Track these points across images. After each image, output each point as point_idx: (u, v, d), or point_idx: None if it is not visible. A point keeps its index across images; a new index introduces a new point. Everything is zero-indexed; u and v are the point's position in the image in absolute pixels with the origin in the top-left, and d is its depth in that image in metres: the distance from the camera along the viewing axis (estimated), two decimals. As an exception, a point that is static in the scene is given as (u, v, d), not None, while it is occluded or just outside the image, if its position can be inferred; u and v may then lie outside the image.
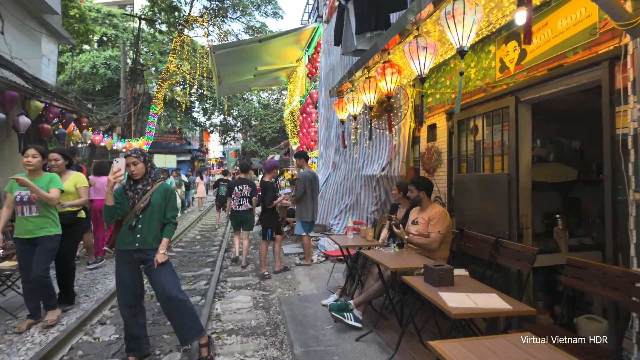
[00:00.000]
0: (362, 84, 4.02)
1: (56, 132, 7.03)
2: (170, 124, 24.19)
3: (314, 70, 10.72)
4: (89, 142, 8.75)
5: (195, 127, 27.11)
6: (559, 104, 3.32)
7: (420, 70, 2.86)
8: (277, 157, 14.93)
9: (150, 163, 2.78)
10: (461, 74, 2.50)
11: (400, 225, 3.32)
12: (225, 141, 41.43)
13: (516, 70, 2.96)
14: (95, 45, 22.68)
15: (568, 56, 2.54)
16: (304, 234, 5.50)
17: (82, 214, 4.08)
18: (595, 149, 3.55)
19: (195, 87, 17.35)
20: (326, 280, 4.74)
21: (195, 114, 28.56)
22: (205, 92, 27.39)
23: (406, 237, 3.25)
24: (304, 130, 10.86)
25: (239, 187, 5.70)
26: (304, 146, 11.09)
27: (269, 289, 4.69)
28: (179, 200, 9.32)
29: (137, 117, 16.77)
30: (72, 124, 7.46)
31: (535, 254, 2.54)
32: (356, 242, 3.80)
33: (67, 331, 3.20)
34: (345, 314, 3.20)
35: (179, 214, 12.26)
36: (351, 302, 3.27)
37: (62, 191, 3.44)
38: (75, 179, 3.93)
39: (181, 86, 17.48)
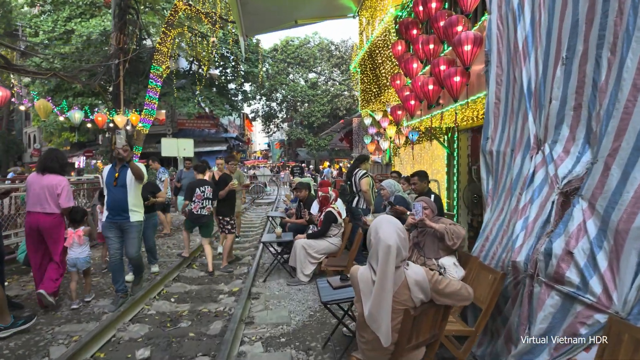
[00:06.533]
0: None
1: None
2: (197, 105, 19.28)
3: None
4: None
5: (230, 110, 21.92)
6: None
7: None
8: None
9: None
10: None
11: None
12: (269, 130, 36.53)
13: None
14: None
15: None
16: None
17: None
18: None
19: (215, 37, 12.00)
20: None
21: (231, 95, 23.46)
22: (242, 67, 22.31)
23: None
24: (413, 64, 4.92)
25: (200, 188, 5.13)
26: (410, 103, 5.17)
27: None
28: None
29: (131, 81, 11.77)
30: None
31: None
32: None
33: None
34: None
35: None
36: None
37: None
38: None
39: (198, 38, 12.17)
